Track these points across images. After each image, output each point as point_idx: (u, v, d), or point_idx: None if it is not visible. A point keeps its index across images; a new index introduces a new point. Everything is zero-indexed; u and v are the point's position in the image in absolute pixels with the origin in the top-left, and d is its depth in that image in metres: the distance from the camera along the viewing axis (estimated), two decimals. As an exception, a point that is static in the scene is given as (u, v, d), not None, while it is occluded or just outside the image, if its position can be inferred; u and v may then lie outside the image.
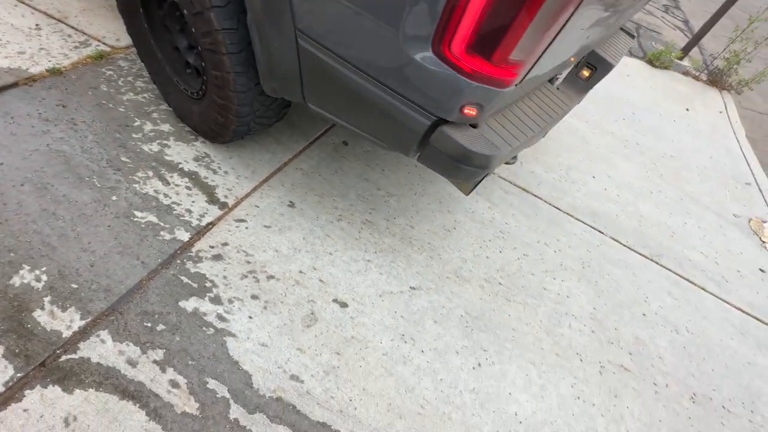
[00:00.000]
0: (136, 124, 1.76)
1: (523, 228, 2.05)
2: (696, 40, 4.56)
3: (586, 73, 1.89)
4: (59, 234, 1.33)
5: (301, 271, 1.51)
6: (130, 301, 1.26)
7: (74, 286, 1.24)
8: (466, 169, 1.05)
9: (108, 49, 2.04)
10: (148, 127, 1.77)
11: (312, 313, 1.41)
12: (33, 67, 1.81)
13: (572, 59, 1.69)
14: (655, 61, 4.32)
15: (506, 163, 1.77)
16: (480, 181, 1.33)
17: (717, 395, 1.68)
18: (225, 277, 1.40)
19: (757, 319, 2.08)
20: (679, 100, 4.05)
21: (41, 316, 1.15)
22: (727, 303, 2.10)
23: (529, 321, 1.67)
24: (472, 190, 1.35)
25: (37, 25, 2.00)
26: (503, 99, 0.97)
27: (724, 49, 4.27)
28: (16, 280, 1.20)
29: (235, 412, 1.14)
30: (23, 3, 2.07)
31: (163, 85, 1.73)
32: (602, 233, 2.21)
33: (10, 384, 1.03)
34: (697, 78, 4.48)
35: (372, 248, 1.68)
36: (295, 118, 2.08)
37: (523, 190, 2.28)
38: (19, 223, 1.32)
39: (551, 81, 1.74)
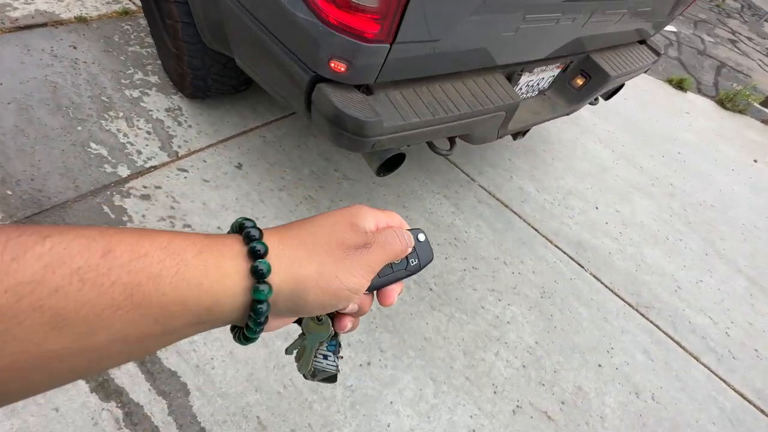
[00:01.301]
0: (129, 72, 1.92)
1: (485, 241, 1.87)
2: (788, 85, 3.89)
3: (579, 81, 1.70)
4: (19, 148, 1.49)
5: (219, 227, 1.52)
6: (50, 216, 1.36)
7: (9, 192, 1.37)
8: (340, 134, 0.98)
9: (134, 8, 2.26)
10: (138, 76, 1.92)
11: (212, 268, 1.40)
12: (65, 13, 2.07)
13: (560, 66, 1.53)
14: (727, 101, 3.76)
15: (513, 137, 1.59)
16: (391, 163, 1.24)
17: (663, 481, 1.37)
18: (143, 216, 1.45)
19: (761, 410, 1.67)
20: (748, 148, 3.48)
21: (-31, 210, 1.29)
22: (724, 382, 1.72)
23: (449, 336, 1.50)
24: (381, 172, 1.26)
25: (83, -20, 2.28)
26: (373, 57, 0.89)
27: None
28: (-37, 177, 1.36)
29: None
30: (79, -38, 2.38)
31: (156, 40, 1.87)
32: (582, 267, 1.94)
33: None
34: (780, 129, 3.82)
35: (303, 223, 1.64)
36: (279, 92, 2.13)
37: (502, 203, 2.09)
38: (-10, 132, 1.49)
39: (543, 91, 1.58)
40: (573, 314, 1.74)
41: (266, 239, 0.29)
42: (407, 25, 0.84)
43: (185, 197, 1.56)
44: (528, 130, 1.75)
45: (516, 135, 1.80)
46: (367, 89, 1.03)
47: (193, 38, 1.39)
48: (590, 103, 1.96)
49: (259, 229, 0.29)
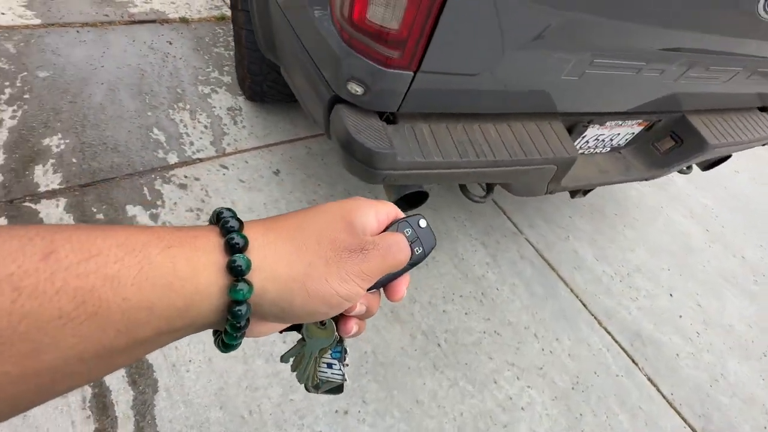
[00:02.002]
0: (207, 70, 2.08)
1: (516, 305, 1.63)
2: None
3: (666, 144, 1.42)
4: (95, 123, 1.66)
5: (239, 229, 1.52)
6: (98, 188, 1.47)
7: (74, 160, 1.52)
8: (351, 160, 0.90)
9: (230, 13, 2.48)
10: (214, 74, 2.07)
11: (220, 268, 1.40)
12: (173, 13, 2.33)
13: (642, 123, 1.31)
14: None
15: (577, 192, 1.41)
16: (411, 199, 1.12)
17: None
18: (175, 204, 1.51)
19: None
20: None
21: (38, 168, 1.45)
22: None
23: (446, 405, 1.30)
24: (398, 207, 1.14)
25: (196, -13, 2.58)
26: (394, 84, 0.79)
27: None
28: (44, 141, 1.54)
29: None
30: (198, -28, 2.70)
31: (235, 44, 2.00)
32: (635, 363, 1.60)
33: (-16, 203, 1.32)
34: None
35: (321, 241, 1.58)
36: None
37: (549, 265, 1.83)
38: (79, 106, 1.70)
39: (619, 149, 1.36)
40: (610, 421, 1.41)
41: (247, 231, 0.26)
42: (434, 53, 0.73)
43: (218, 193, 1.60)
44: (590, 190, 1.51)
45: (574, 193, 1.56)
46: (391, 118, 0.94)
47: (253, 45, 1.44)
48: (680, 172, 1.64)
49: (239, 220, 0.26)
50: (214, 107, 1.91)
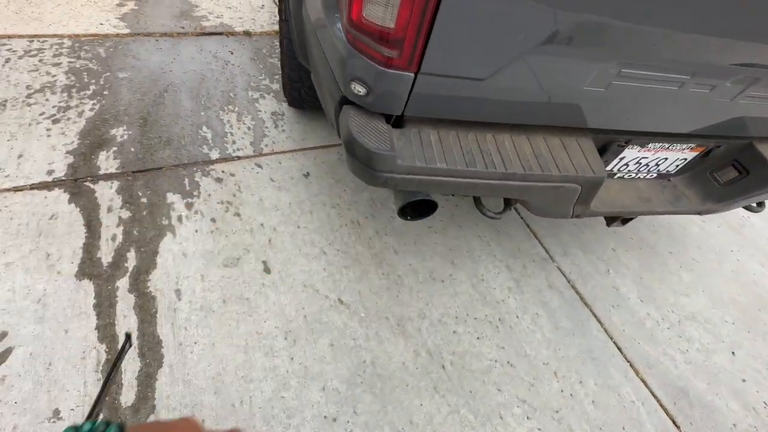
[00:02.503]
0: (260, 77, 2.25)
1: (537, 336, 1.50)
2: None
3: (728, 175, 1.25)
4: (154, 119, 1.86)
5: (262, 224, 1.59)
6: (146, 176, 1.64)
7: (132, 149, 1.71)
8: (353, 161, 0.90)
9: (289, 29, 2.67)
10: (265, 82, 2.23)
11: (238, 259, 1.47)
12: (238, 27, 2.57)
13: (696, 148, 1.17)
14: None
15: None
16: (418, 208, 1.09)
17: None
18: (209, 195, 1.63)
19: None
20: None
21: (102, 154, 1.65)
22: None
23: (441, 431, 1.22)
24: (404, 215, 1.11)
25: (263, 5, 2.82)
26: (395, 85, 0.78)
27: None
28: (112, 131, 1.76)
29: (123, 283, 1.32)
30: (266, -9, 2.96)
31: (286, 55, 2.15)
32: (676, 425, 1.37)
33: (51, 180, 1.52)
34: None
35: (338, 245, 1.60)
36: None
37: (581, 299, 1.66)
38: (145, 104, 1.91)
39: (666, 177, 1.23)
40: (634, 487, 1.22)
41: None
42: (434, 54, 0.71)
43: (248, 189, 1.69)
44: (630, 219, 1.36)
45: (610, 220, 1.41)
46: (398, 122, 0.93)
47: (292, 53, 1.53)
48: (748, 209, 1.42)
49: None
50: (260, 111, 2.05)
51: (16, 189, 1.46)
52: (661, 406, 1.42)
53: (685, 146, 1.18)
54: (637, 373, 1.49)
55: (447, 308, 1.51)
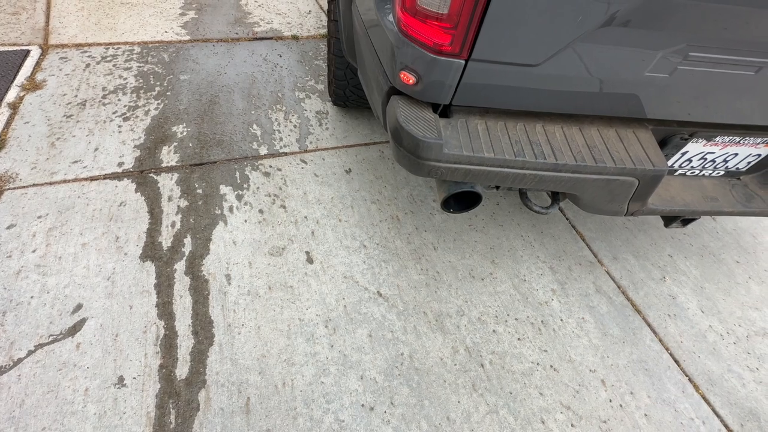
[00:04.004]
0: (306, 78, 2.34)
1: (583, 342, 1.43)
2: None
3: (811, 172, 1.13)
4: (210, 117, 2.00)
5: (306, 217, 1.65)
6: (202, 169, 1.75)
7: (190, 145, 1.85)
8: (399, 150, 0.92)
9: (334, 32, 2.76)
10: (311, 83, 2.32)
11: (283, 249, 1.53)
12: (287, 31, 2.70)
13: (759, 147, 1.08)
14: None
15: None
16: (463, 200, 1.09)
17: None
18: (258, 188, 1.71)
19: None
20: None
21: (164, 148, 1.80)
22: None
23: (480, 431, 1.19)
24: (447, 207, 1.10)
25: (309, 11, 2.94)
26: (445, 73, 0.79)
27: None
28: (173, 128, 1.90)
29: (180, 266, 1.42)
30: (314, -2, 3.08)
31: (332, 56, 2.22)
32: (741, 450, 1.25)
33: (121, 171, 1.67)
34: None
35: (378, 239, 1.62)
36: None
37: (633, 306, 1.56)
38: (203, 103, 2.06)
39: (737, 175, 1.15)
40: None
41: None
42: (486, 39, 0.71)
43: (294, 183, 1.76)
44: (692, 220, 1.26)
45: (669, 220, 1.32)
46: (446, 112, 0.94)
47: (339, 52, 1.58)
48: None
49: None
50: (305, 110, 2.13)
51: (92, 178, 1.62)
52: (726, 426, 1.30)
53: (759, 140, 1.08)
54: (697, 388, 1.37)
55: (486, 307, 1.48)
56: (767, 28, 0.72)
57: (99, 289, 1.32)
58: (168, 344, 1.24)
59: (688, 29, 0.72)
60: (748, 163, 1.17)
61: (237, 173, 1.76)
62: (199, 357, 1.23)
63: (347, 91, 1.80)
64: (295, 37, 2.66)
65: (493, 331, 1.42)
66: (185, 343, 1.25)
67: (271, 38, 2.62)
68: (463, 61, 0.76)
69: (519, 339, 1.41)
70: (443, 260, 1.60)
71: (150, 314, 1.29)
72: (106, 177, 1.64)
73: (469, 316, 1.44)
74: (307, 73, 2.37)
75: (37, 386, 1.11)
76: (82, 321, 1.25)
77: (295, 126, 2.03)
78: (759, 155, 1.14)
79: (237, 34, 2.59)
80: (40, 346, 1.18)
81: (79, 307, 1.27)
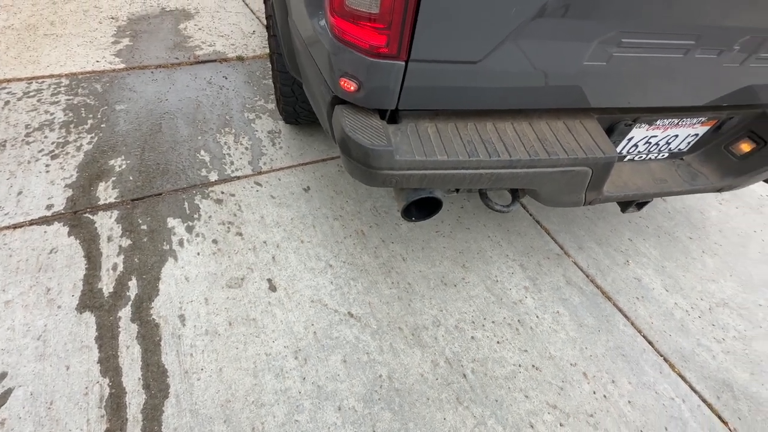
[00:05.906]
0: (254, 98, 2.26)
1: (561, 336, 1.42)
2: None
3: (744, 147, 1.19)
4: (152, 147, 1.86)
5: (264, 242, 1.55)
6: (146, 202, 1.62)
7: (131, 178, 1.70)
8: (349, 162, 0.86)
9: (281, 51, 2.71)
10: (260, 103, 2.24)
11: (242, 279, 1.42)
12: (231, 53, 2.61)
13: (707, 122, 1.13)
14: None
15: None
16: (423, 208, 1.05)
17: None
18: (210, 217, 1.60)
19: None
20: None
21: (101, 185, 1.64)
22: None
23: (469, 446, 1.13)
24: (408, 216, 1.06)
25: (254, 31, 2.87)
26: (385, 76, 0.75)
27: None
28: (110, 161, 1.75)
29: (126, 312, 1.27)
30: (256, 17, 3.02)
31: (279, 74, 2.16)
32: (723, 421, 1.27)
33: (51, 214, 1.51)
34: None
35: (344, 257, 1.55)
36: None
37: (603, 293, 1.58)
38: (143, 133, 1.92)
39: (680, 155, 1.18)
40: (687, 493, 1.11)
41: None
42: (423, 37, 0.68)
43: (249, 208, 1.66)
44: (646, 203, 1.30)
45: (625, 206, 1.35)
46: (394, 116, 0.90)
47: (283, 68, 1.53)
48: (767, 181, 1.35)
49: None
50: (256, 131, 2.05)
51: (15, 226, 1.44)
52: (704, 401, 1.32)
53: (695, 120, 1.12)
54: (672, 367, 1.39)
55: (462, 313, 1.44)
56: (689, 10, 0.74)
57: (27, 351, 1.15)
58: (115, 404, 1.09)
59: (617, 16, 0.72)
60: (689, 143, 1.22)
61: (186, 203, 1.63)
62: (152, 414, 1.09)
63: (297, 107, 1.74)
64: (240, 58, 2.58)
65: (472, 337, 1.38)
66: (135, 399, 1.11)
67: (214, 61, 2.52)
68: (403, 63, 0.73)
69: (498, 342, 1.38)
70: (413, 270, 1.55)
71: (91, 372, 1.14)
72: (32, 223, 1.46)
73: (446, 326, 1.39)
74: (255, 93, 2.29)
75: (-49, 480, 0.93)
76: (8, 392, 1.08)
77: (246, 148, 1.94)
78: (697, 134, 1.19)
79: (177, 58, 2.47)
80: (-46, 430, 1.00)
81: (3, 376, 1.10)
